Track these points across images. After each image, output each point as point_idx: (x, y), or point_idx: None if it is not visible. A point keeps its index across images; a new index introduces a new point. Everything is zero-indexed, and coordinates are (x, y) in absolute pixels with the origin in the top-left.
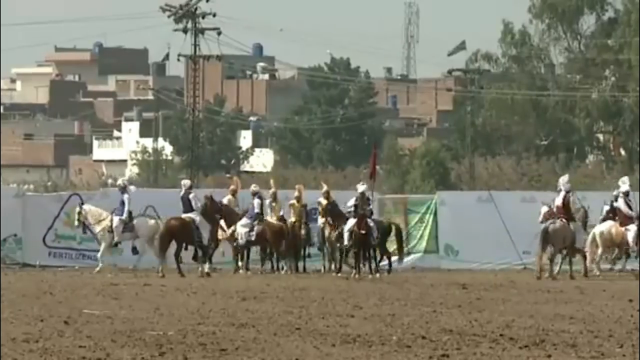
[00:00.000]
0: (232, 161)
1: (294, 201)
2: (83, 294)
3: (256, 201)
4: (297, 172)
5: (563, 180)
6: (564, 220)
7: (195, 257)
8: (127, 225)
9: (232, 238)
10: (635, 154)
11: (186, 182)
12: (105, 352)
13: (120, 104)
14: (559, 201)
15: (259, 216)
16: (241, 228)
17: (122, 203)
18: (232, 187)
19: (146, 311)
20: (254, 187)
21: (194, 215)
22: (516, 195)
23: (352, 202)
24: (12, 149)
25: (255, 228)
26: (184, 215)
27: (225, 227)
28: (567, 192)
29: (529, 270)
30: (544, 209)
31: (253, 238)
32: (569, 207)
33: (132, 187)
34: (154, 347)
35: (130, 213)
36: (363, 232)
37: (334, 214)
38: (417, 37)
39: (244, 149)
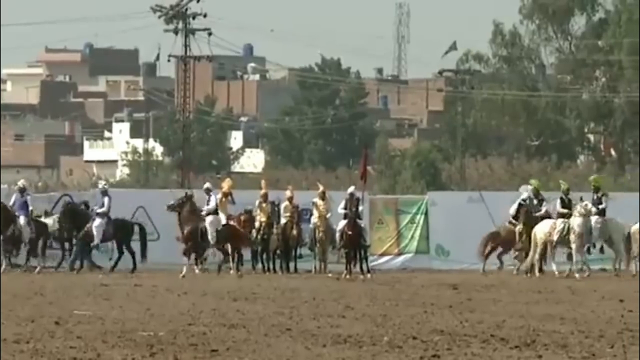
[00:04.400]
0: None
1: (286, 202)
2: (74, 294)
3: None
4: (287, 173)
5: None
6: None
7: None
8: None
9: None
10: (626, 155)
11: (208, 186)
12: (96, 353)
13: (111, 105)
14: None
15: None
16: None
17: None
18: (223, 188)
19: (137, 312)
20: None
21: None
22: (507, 196)
23: (342, 204)
24: (3, 149)
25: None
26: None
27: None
28: None
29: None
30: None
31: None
32: None
33: None
34: (145, 347)
35: None
36: (349, 232)
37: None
38: (407, 37)
39: (234, 149)
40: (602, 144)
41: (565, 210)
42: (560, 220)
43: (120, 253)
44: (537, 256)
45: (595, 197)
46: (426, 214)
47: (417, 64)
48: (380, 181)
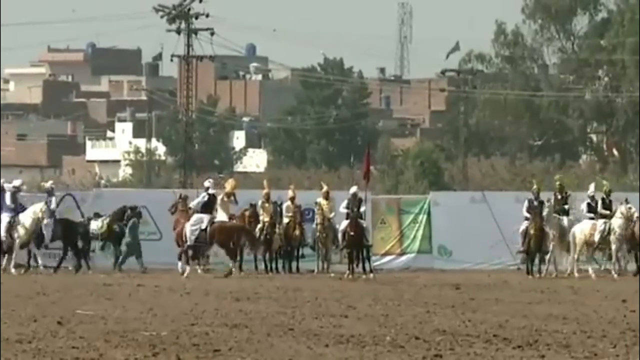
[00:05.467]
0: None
1: (289, 202)
2: (76, 294)
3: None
4: (290, 173)
5: None
6: None
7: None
8: None
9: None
10: (628, 155)
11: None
12: (99, 353)
13: (114, 105)
14: None
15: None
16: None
17: None
18: (226, 188)
19: (139, 311)
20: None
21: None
22: (510, 196)
23: (344, 204)
24: (6, 149)
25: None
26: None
27: None
28: None
29: (522, 271)
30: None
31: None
32: None
33: None
34: (147, 347)
35: None
36: (352, 232)
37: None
38: (410, 37)
39: (237, 149)
40: (604, 143)
41: (607, 212)
42: (602, 221)
43: (65, 253)
44: (576, 257)
45: (559, 196)
46: (429, 213)
47: (419, 64)
48: (383, 181)
